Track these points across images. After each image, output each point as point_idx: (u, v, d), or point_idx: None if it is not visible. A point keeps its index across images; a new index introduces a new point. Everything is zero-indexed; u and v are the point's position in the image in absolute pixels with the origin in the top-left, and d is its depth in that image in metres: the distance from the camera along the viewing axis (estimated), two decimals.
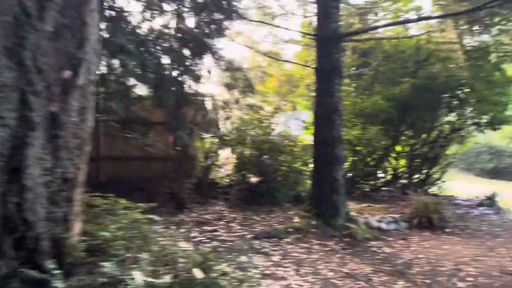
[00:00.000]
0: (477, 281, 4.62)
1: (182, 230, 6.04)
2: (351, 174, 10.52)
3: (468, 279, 4.70)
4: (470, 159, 24.56)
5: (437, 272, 4.97)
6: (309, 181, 8.05)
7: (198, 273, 2.21)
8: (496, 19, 7.09)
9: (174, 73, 7.63)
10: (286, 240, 5.88)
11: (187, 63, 7.71)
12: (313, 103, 8.27)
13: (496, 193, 10.54)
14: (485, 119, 11.08)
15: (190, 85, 7.82)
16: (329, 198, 7.01)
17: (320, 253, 5.49)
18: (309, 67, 9.23)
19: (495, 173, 23.98)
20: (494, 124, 11.13)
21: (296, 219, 6.79)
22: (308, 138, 9.92)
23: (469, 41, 9.03)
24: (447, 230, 7.43)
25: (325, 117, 7.24)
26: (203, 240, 5.52)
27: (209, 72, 7.97)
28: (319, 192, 7.18)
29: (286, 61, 10.21)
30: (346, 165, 9.80)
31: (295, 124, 12.13)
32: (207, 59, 7.88)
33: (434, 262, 5.38)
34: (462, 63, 8.71)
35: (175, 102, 7.43)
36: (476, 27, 7.55)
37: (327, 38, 7.18)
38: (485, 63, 9.50)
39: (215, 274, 2.30)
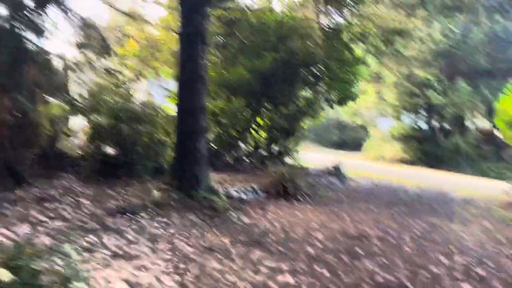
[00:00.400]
0: (326, 246, 4.99)
1: (17, 209, 5.17)
2: (214, 146, 10.51)
3: (318, 244, 5.05)
4: (319, 132, 27.19)
5: (291, 239, 5.22)
6: (172, 153, 7.72)
7: (4, 274, 1.73)
8: (348, 1, 7.62)
9: (11, 25, 6.54)
10: (143, 215, 5.50)
11: (28, 15, 6.66)
12: (177, 70, 7.87)
13: (341, 163, 11.77)
14: (334, 95, 12.13)
15: (31, 41, 6.81)
16: (191, 169, 6.83)
17: (179, 227, 5.28)
18: (173, 31, 8.72)
19: (340, 145, 27.16)
20: (342, 100, 12.28)
21: (156, 193, 6.45)
22: (172, 108, 9.50)
23: (326, 21, 9.62)
24: (300, 198, 7.96)
25: (189, 85, 6.97)
26: (43, 220, 4.79)
27: (55, 27, 7.01)
28: (181, 163, 6.94)
29: (148, 22, 9.49)
30: (210, 136, 9.72)
31: (159, 92, 11.56)
32: (55, 12, 6.94)
33: (288, 230, 5.66)
34: (319, 41, 9.26)
35: (12, 59, 6.52)
36: (331, 8, 8.03)
37: (191, 1, 6.81)
38: (337, 43, 10.29)
39: (36, 268, 1.84)
